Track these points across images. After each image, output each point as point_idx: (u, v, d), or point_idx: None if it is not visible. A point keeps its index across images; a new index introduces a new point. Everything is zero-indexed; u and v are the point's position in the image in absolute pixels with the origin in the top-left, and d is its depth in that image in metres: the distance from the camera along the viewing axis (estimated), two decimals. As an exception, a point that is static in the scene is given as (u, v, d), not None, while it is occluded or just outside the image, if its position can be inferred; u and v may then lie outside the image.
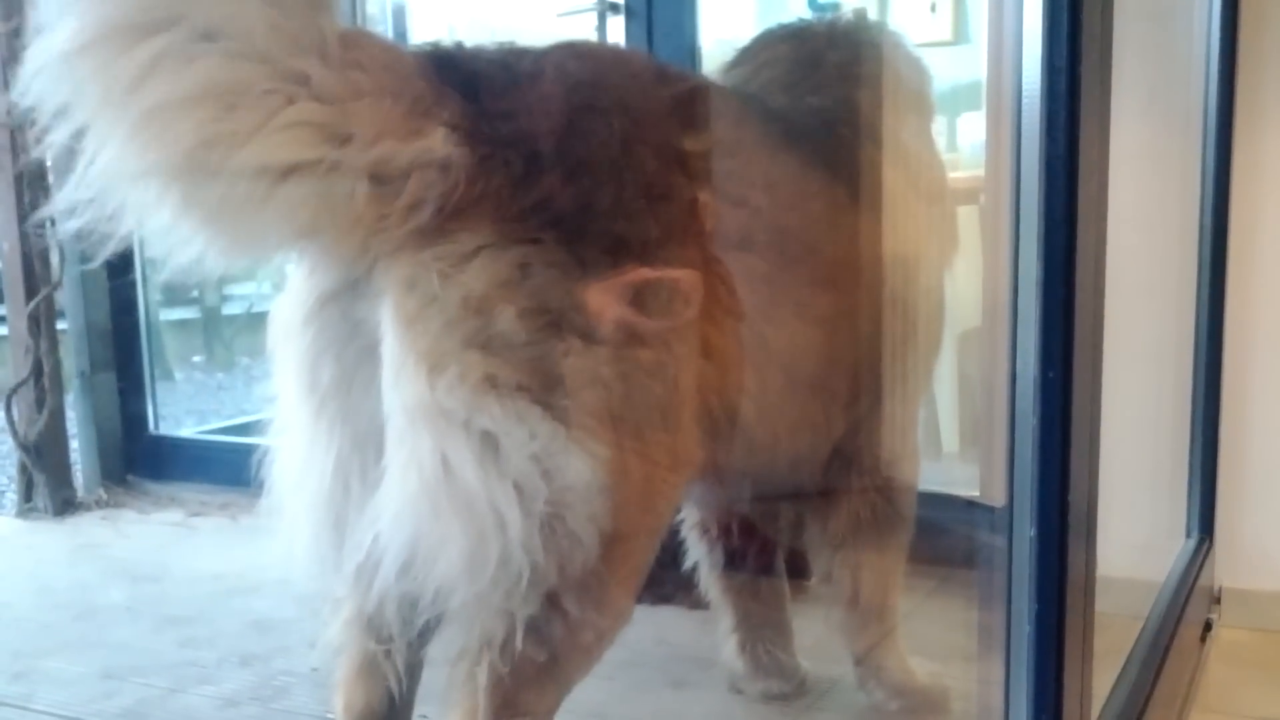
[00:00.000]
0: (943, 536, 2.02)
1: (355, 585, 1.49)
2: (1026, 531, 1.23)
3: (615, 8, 3.08)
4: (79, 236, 1.26)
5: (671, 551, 2.10)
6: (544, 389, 1.30)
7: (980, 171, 1.27)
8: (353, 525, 1.39)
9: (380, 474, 1.34)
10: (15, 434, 3.61)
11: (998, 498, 1.26)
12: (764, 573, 2.16)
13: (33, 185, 3.46)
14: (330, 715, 1.62)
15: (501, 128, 1.34)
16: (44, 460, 3.62)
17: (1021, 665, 1.26)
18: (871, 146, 1.89)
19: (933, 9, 3.24)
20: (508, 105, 1.37)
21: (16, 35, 1.20)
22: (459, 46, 1.45)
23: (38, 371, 3.57)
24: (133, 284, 3.82)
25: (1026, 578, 1.24)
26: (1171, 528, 2.65)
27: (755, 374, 1.62)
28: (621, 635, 1.47)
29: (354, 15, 3.01)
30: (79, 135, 1.22)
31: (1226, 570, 2.68)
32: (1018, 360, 1.21)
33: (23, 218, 3.48)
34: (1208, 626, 2.60)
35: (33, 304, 3.52)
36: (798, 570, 2.24)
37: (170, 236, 1.27)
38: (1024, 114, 1.18)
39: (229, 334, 6.56)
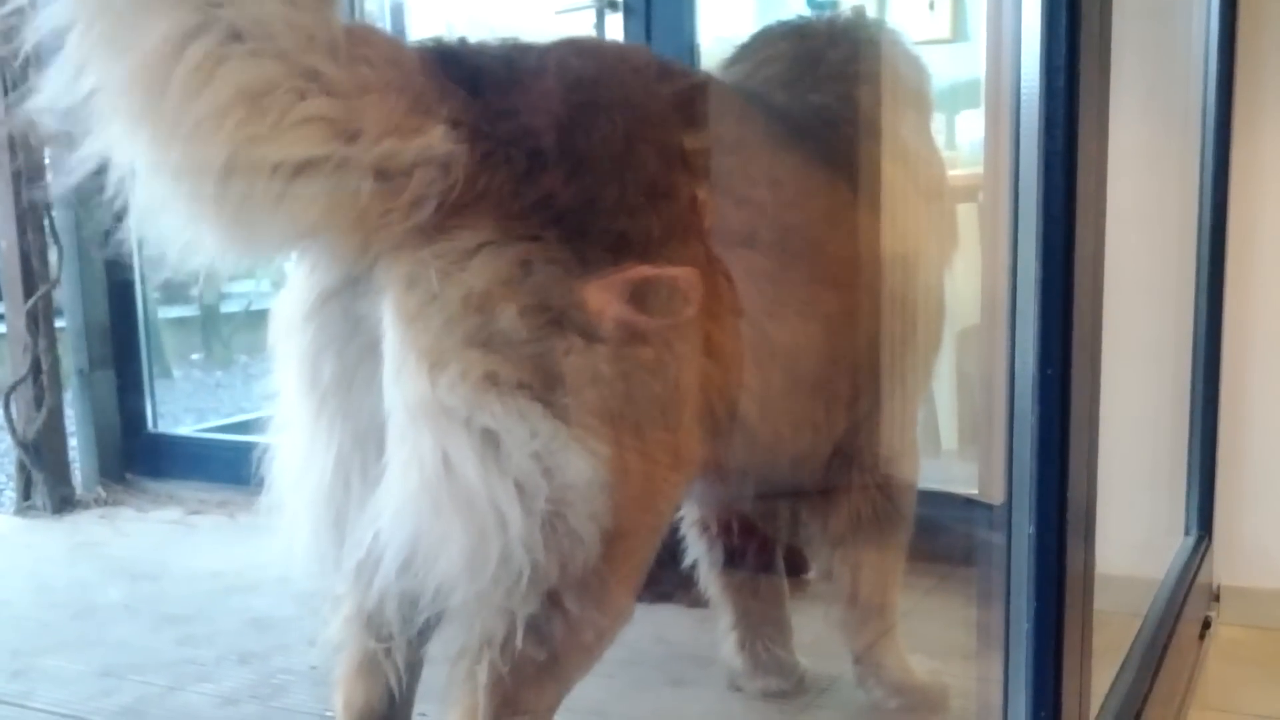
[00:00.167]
0: (942, 534, 2.02)
1: (355, 583, 1.49)
2: (1025, 529, 1.23)
3: (614, 5, 3.08)
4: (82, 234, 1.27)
5: (670, 549, 2.10)
6: (545, 387, 1.30)
7: (979, 169, 1.27)
8: (353, 522, 1.38)
9: (381, 471, 1.34)
10: (14, 432, 3.61)
11: (996, 495, 1.26)
12: (763, 570, 2.16)
13: (31, 183, 3.46)
14: (329, 713, 1.62)
15: (504, 124, 1.34)
16: (42, 458, 3.61)
17: (1020, 663, 1.26)
18: (873, 144, 1.89)
19: (931, 7, 3.23)
20: (510, 102, 1.37)
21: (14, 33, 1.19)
22: (462, 43, 1.45)
23: (36, 369, 3.57)
24: (131, 281, 3.82)
25: (1025, 575, 1.24)
26: (1170, 525, 2.65)
27: (758, 372, 1.62)
28: (621, 633, 1.47)
29: (353, 14, 3.00)
30: (115, 146, 1.22)
31: (1225, 568, 2.68)
32: (1016, 358, 1.21)
33: (21, 215, 3.48)
34: (1206, 624, 2.61)
35: (31, 301, 3.52)
36: (795, 567, 2.25)
37: (182, 237, 1.27)
38: (1023, 112, 1.18)
39: (227, 332, 6.55)
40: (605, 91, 1.45)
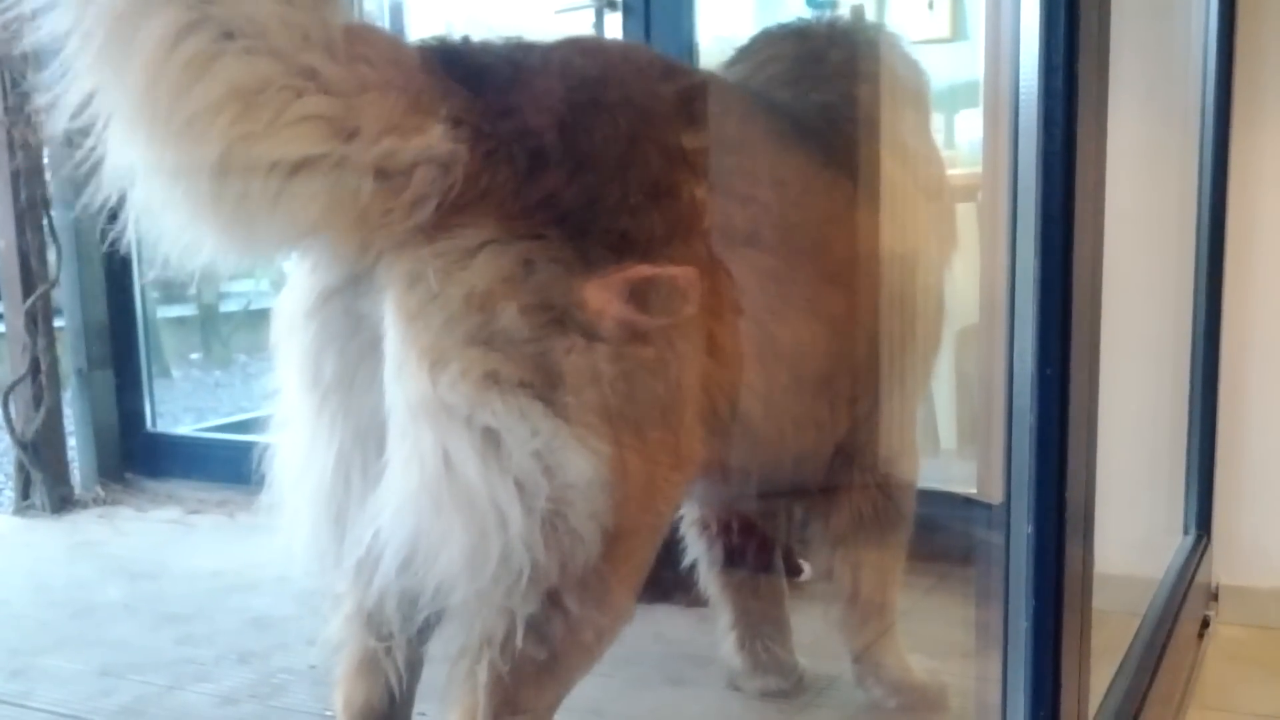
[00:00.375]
0: (940, 534, 2.02)
1: (355, 581, 1.49)
2: (1024, 529, 1.23)
3: (613, 5, 3.07)
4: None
5: (670, 549, 2.10)
6: (546, 385, 1.30)
7: (978, 169, 1.27)
8: (353, 520, 1.38)
9: (381, 469, 1.34)
10: (12, 431, 3.60)
11: (995, 495, 1.26)
12: (763, 570, 2.16)
13: (29, 182, 3.46)
14: (329, 712, 1.62)
15: (506, 123, 1.34)
16: (41, 458, 3.61)
17: (1019, 662, 1.26)
18: (872, 145, 1.89)
19: (930, 6, 3.23)
20: (513, 100, 1.37)
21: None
22: (465, 41, 1.45)
23: (35, 369, 3.57)
24: (130, 281, 3.82)
25: (1024, 575, 1.24)
26: (1169, 524, 2.65)
27: (762, 371, 1.62)
28: (620, 632, 1.47)
29: (352, 12, 3.00)
30: (105, 139, 1.23)
31: (1224, 567, 2.68)
32: (1015, 357, 1.22)
33: (19, 214, 3.48)
34: (1205, 623, 2.61)
35: (30, 301, 3.52)
36: (787, 569, 2.25)
37: (183, 238, 1.27)
38: (1021, 111, 1.18)
39: (226, 331, 6.55)
40: (608, 90, 1.45)
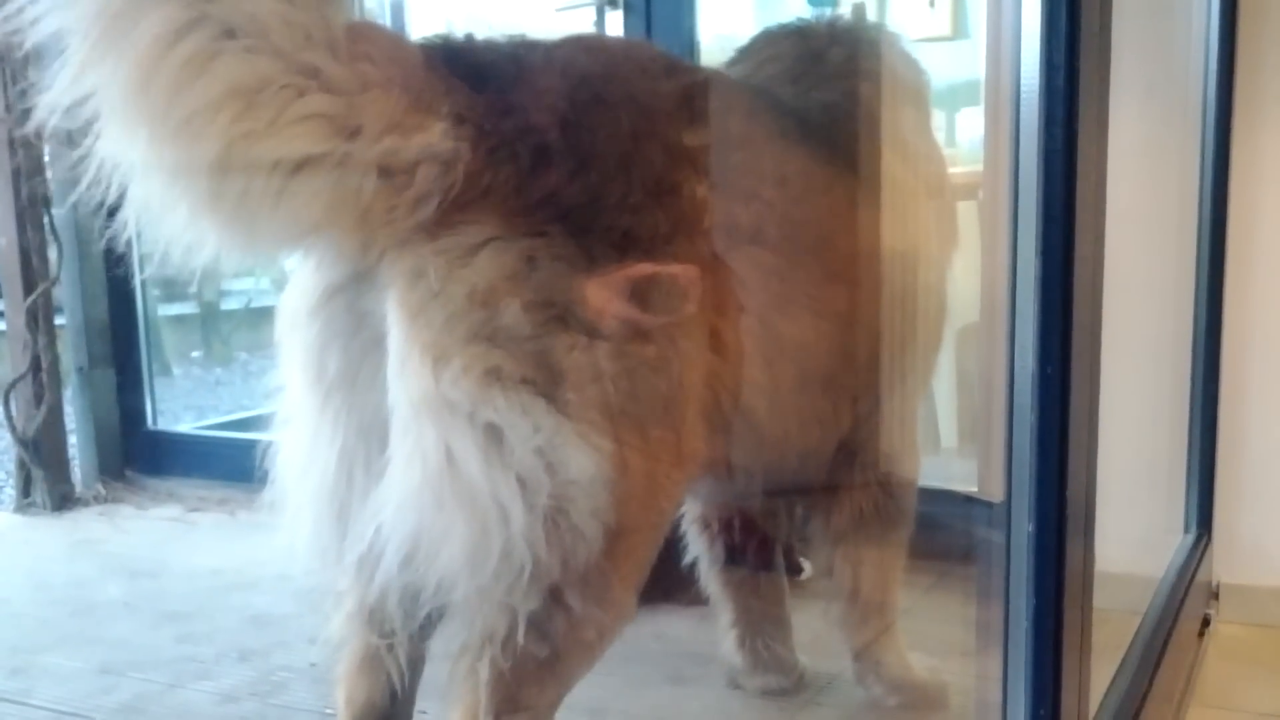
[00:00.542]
0: (941, 532, 2.02)
1: (357, 578, 1.49)
2: (1025, 527, 1.23)
3: (614, 3, 3.07)
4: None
5: (670, 547, 2.10)
6: (549, 382, 1.30)
7: (979, 167, 1.27)
8: (356, 516, 1.39)
9: (384, 466, 1.34)
10: (13, 429, 3.61)
11: (996, 493, 1.26)
12: (763, 568, 2.16)
13: (30, 179, 3.46)
14: (329, 710, 1.62)
15: (509, 120, 1.34)
16: (42, 455, 3.62)
17: (1020, 660, 1.26)
18: (873, 144, 1.89)
19: (931, 4, 3.23)
20: (516, 98, 1.37)
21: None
22: (468, 39, 1.45)
23: (36, 367, 3.57)
24: (130, 279, 3.82)
25: (1025, 573, 1.24)
26: (1170, 523, 2.65)
27: (766, 369, 1.62)
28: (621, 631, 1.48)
29: (353, 11, 3.00)
30: (104, 140, 1.23)
31: (1224, 565, 2.68)
32: (1016, 356, 1.22)
33: (20, 212, 3.48)
34: (1206, 622, 2.61)
35: (31, 299, 3.52)
36: (787, 567, 2.25)
37: (184, 236, 1.27)
38: (1022, 109, 1.18)
39: (227, 329, 6.55)
40: (611, 88, 1.45)
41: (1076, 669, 1.31)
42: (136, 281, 3.84)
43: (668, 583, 2.35)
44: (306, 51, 1.23)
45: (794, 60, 1.99)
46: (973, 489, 1.31)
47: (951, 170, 2.14)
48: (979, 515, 1.33)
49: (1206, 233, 2.57)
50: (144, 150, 1.22)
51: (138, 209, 1.27)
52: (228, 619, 2.62)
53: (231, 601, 2.73)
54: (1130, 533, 2.29)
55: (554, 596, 1.36)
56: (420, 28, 3.71)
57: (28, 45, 1.21)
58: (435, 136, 1.29)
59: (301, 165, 1.24)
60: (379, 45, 1.31)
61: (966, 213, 2.04)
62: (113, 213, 1.29)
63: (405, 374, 1.31)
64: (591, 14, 3.10)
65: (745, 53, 2.07)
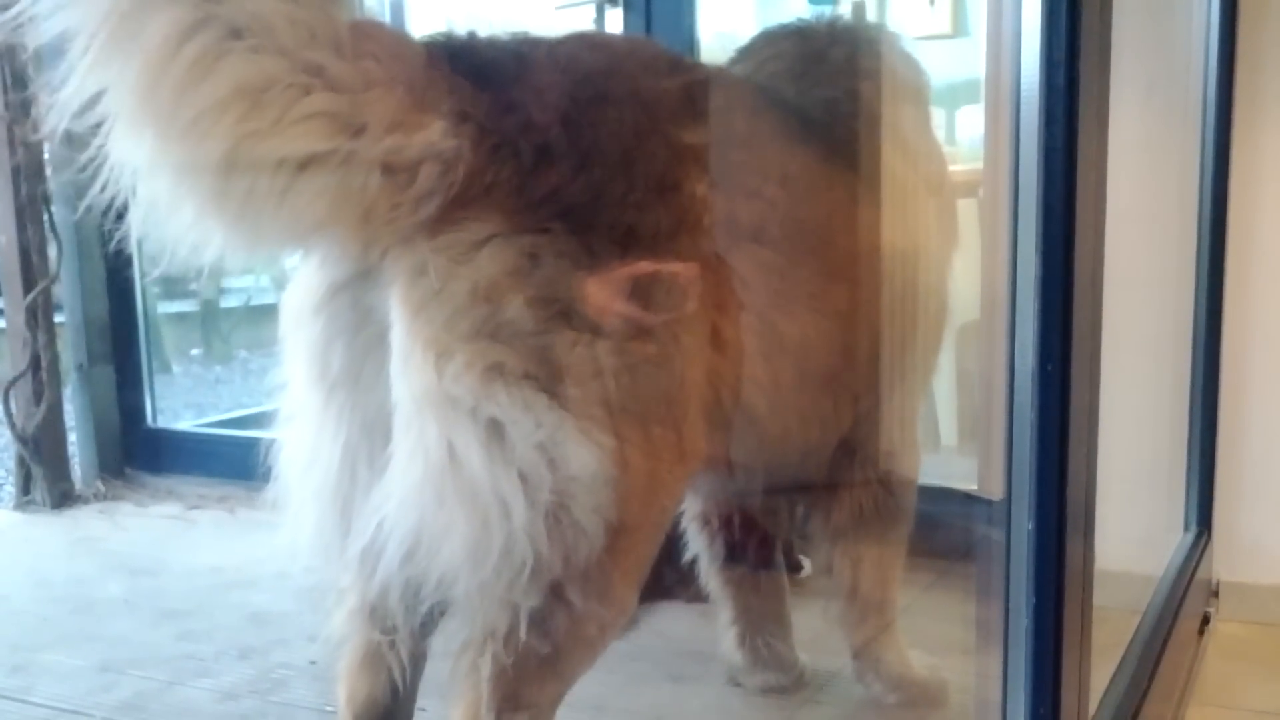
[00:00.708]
0: (941, 530, 2.03)
1: (359, 573, 1.49)
2: (1025, 525, 1.23)
3: (614, 0, 3.07)
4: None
5: (671, 545, 2.11)
6: (551, 378, 1.31)
7: (979, 165, 1.27)
8: (358, 512, 1.39)
9: (387, 461, 1.34)
10: (13, 427, 3.61)
11: (996, 491, 1.26)
12: (764, 565, 2.16)
13: (30, 178, 3.46)
14: (329, 708, 1.63)
15: (512, 118, 1.34)
16: (42, 453, 3.61)
17: (1019, 658, 1.26)
18: (874, 143, 1.89)
19: (932, 3, 3.23)
20: (519, 95, 1.37)
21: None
22: (470, 36, 1.45)
23: (35, 364, 3.57)
24: (130, 277, 3.82)
25: (1024, 571, 1.24)
26: (1170, 521, 2.65)
27: (768, 366, 1.62)
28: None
29: (356, 9, 3.00)
30: (111, 138, 1.23)
31: (1224, 564, 2.68)
32: (1016, 354, 1.22)
33: (20, 210, 3.48)
34: (1206, 620, 2.61)
35: (30, 297, 3.52)
36: (789, 563, 2.25)
37: (190, 235, 1.28)
38: (1023, 108, 1.18)
39: (227, 327, 6.55)
40: (613, 85, 1.45)
41: (1076, 667, 1.31)
42: (139, 280, 3.84)
43: (668, 580, 2.36)
44: (311, 50, 1.24)
45: (794, 60, 1.99)
46: (973, 487, 1.31)
47: (952, 168, 2.14)
48: (979, 513, 1.33)
49: (1206, 231, 2.58)
50: (151, 150, 1.22)
51: (145, 209, 1.27)
52: (227, 616, 2.62)
53: (231, 599, 2.73)
54: (1130, 531, 2.29)
55: (555, 593, 1.36)
56: (421, 26, 3.71)
57: (32, 46, 1.21)
58: (438, 134, 1.29)
59: (307, 163, 1.24)
60: (382, 43, 1.31)
61: (967, 211, 2.04)
62: (121, 215, 1.29)
63: (408, 370, 1.31)
64: (591, 11, 3.09)
65: (745, 52, 2.08)
